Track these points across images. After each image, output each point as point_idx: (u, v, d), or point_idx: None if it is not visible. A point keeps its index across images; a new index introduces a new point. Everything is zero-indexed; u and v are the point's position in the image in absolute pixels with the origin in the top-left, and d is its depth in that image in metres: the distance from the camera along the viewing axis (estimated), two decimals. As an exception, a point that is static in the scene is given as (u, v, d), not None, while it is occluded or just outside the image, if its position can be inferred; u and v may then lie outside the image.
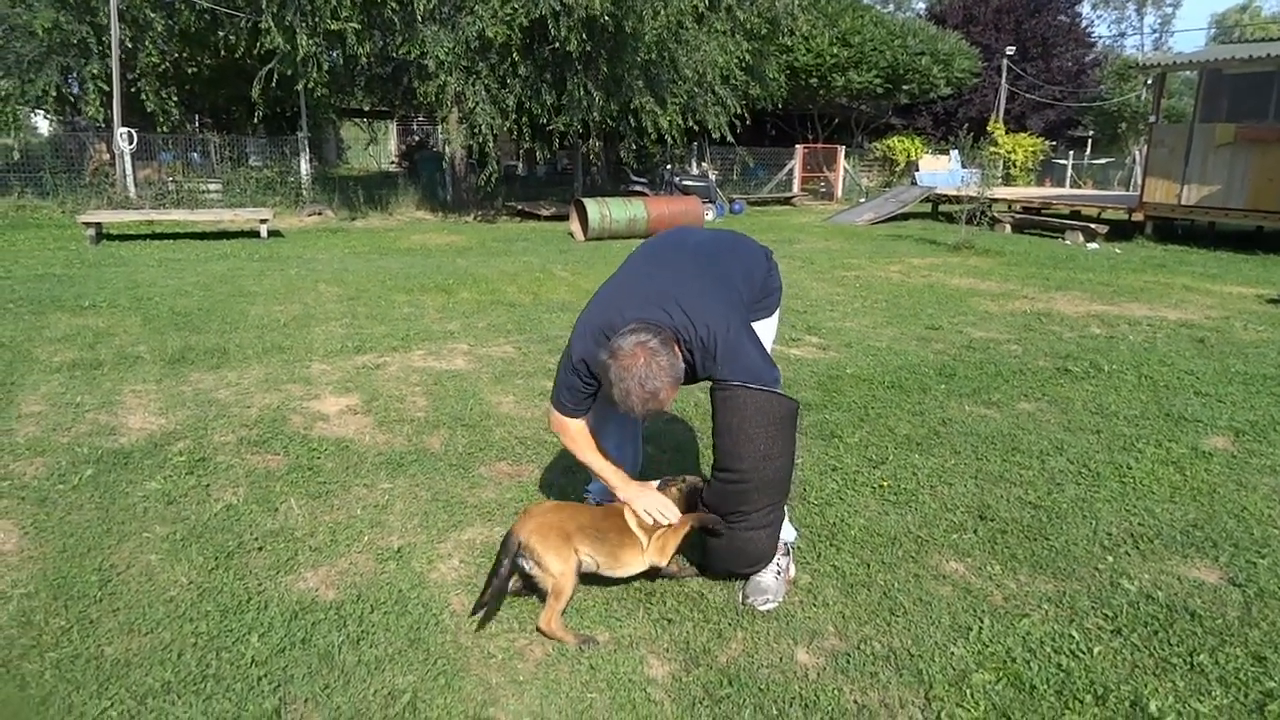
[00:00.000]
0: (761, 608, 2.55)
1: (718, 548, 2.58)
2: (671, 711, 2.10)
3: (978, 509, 3.29)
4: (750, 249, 2.81)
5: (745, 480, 2.44)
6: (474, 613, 2.42)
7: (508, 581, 2.39)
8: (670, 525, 2.53)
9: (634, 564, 2.51)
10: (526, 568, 2.35)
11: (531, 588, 2.44)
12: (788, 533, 2.74)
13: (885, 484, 3.50)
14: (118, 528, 2.96)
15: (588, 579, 2.50)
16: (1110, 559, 2.92)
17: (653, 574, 2.61)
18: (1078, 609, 2.60)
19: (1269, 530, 3.15)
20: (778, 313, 2.85)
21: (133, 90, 13.84)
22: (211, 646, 2.30)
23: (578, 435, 2.62)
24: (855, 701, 2.17)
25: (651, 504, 2.52)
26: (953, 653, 2.36)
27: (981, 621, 2.52)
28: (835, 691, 2.20)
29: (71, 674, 2.18)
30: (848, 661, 2.32)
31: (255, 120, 14.54)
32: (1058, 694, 2.20)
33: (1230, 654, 2.38)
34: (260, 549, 2.85)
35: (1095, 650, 2.39)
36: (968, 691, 2.20)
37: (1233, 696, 2.21)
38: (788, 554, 2.72)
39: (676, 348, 2.32)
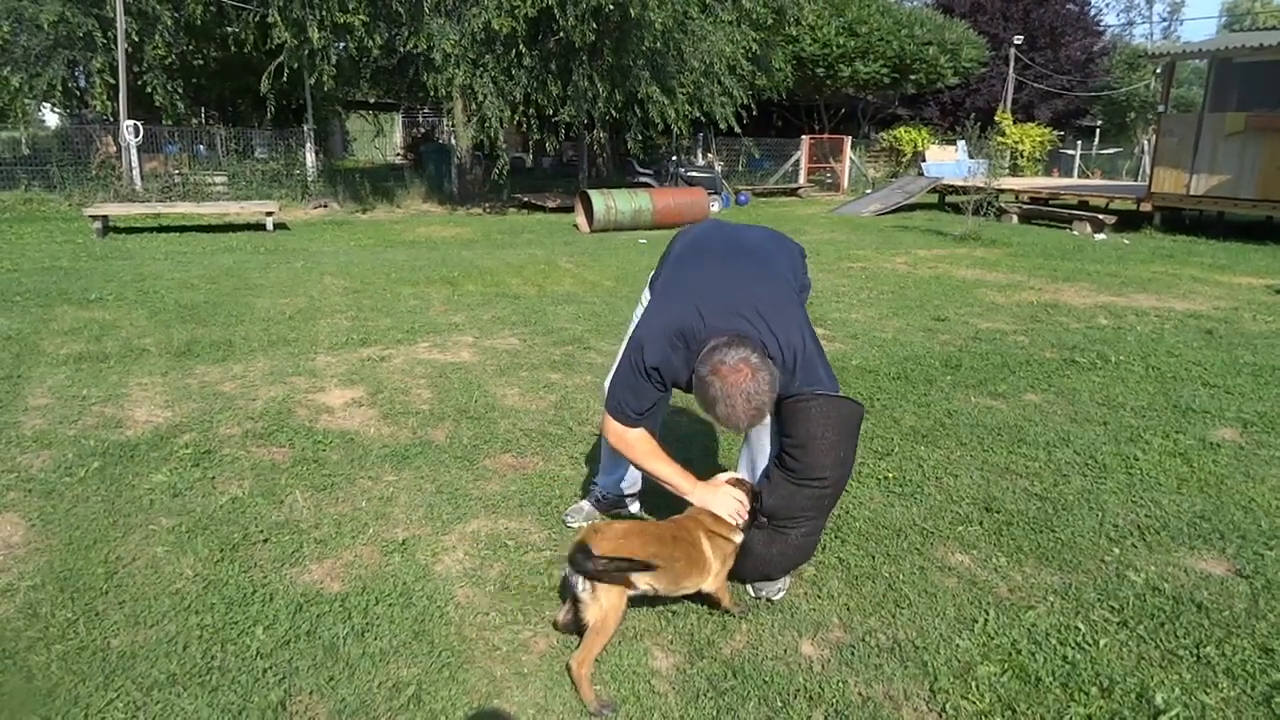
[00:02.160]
0: (775, 597, 2.56)
1: (770, 556, 2.48)
2: (675, 703, 2.10)
3: (983, 501, 3.27)
4: (791, 245, 2.79)
5: (828, 487, 2.43)
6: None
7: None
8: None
9: (695, 586, 2.38)
10: (578, 590, 2.17)
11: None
12: None
13: (891, 476, 3.49)
14: (124, 520, 2.97)
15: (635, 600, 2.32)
16: (1117, 551, 2.91)
17: (707, 600, 2.47)
18: (1084, 601, 2.59)
19: (1276, 522, 3.13)
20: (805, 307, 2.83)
21: (139, 83, 13.85)
22: (217, 639, 2.31)
23: (639, 443, 2.48)
24: (860, 694, 2.16)
25: (729, 505, 2.43)
26: (958, 645, 2.36)
27: (987, 614, 2.51)
28: (840, 684, 2.19)
29: (77, 666, 2.19)
30: (852, 654, 2.32)
31: (267, 115, 14.53)
32: (1063, 686, 2.19)
33: (1237, 646, 2.37)
34: (266, 541, 2.85)
35: (1101, 642, 2.38)
36: (973, 684, 2.19)
37: (1239, 689, 2.20)
38: None
39: (773, 365, 2.26)
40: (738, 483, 2.50)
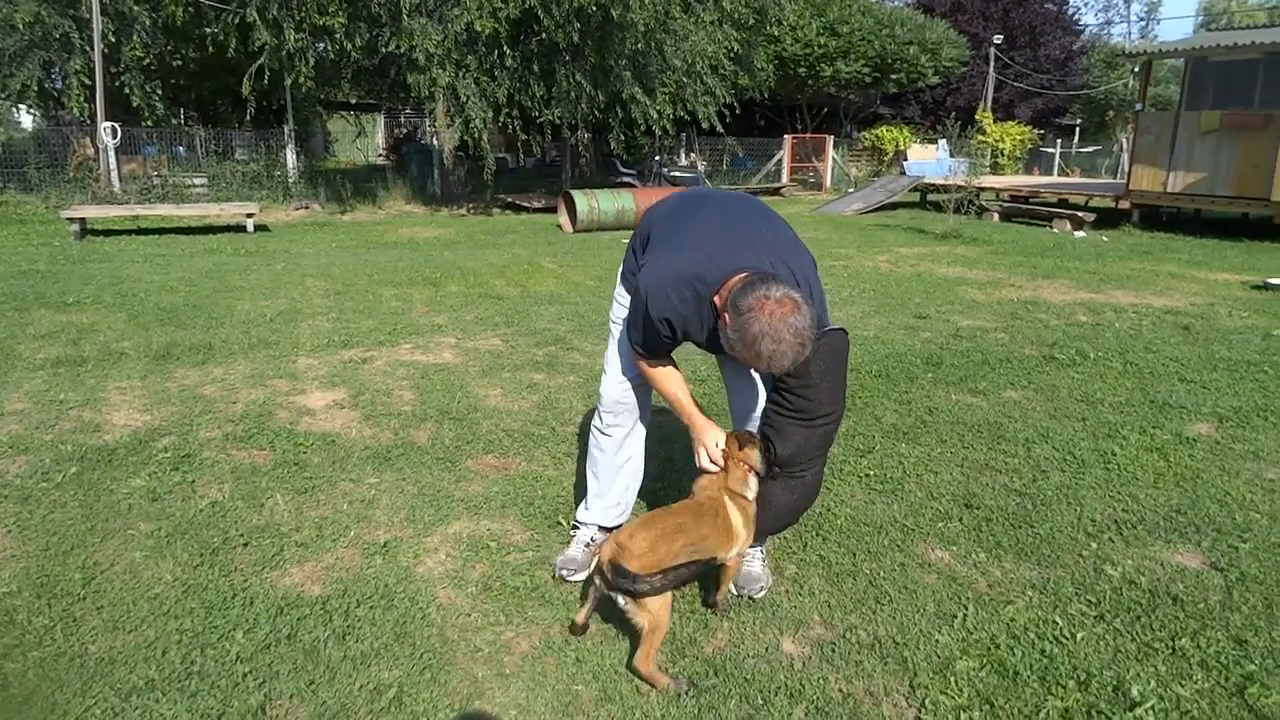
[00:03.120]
0: (758, 595, 2.57)
1: (791, 504, 2.45)
2: (657, 702, 2.10)
3: (963, 497, 3.30)
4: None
5: (833, 422, 2.37)
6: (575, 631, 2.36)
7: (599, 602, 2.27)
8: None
9: (727, 554, 2.37)
10: (621, 603, 2.15)
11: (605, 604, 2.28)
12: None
13: (872, 473, 3.51)
14: (102, 525, 2.94)
15: None
16: (1094, 545, 2.94)
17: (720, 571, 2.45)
18: (1061, 595, 2.62)
19: (1251, 515, 3.17)
20: None
21: (117, 84, 13.71)
22: (196, 643, 2.30)
23: (669, 376, 2.47)
24: (840, 690, 2.18)
25: (711, 443, 2.41)
26: (937, 640, 2.37)
27: (966, 609, 2.53)
28: (820, 680, 2.21)
29: (55, 672, 2.17)
30: (833, 650, 2.33)
31: (247, 116, 14.42)
32: (1041, 680, 2.21)
33: (1212, 638, 2.40)
34: (246, 545, 2.84)
35: (1078, 636, 2.40)
36: (952, 679, 2.21)
37: (1214, 680, 2.22)
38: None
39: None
40: (748, 436, 2.46)
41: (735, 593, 2.59)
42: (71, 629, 2.35)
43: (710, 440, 2.42)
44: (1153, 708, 2.11)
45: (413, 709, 2.07)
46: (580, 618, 2.35)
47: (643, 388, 2.68)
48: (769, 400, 2.43)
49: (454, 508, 3.15)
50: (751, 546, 2.52)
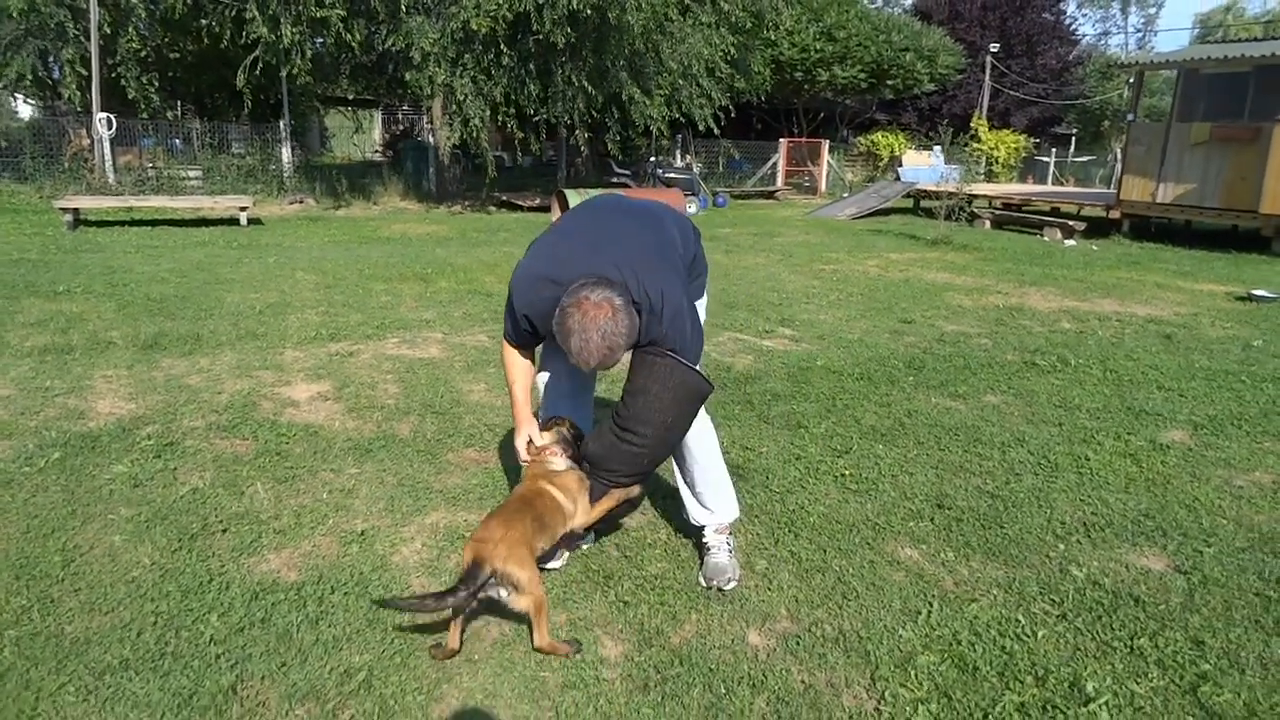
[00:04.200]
0: (726, 587, 2.61)
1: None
2: (621, 689, 2.15)
3: (936, 498, 3.35)
4: (683, 219, 2.81)
5: (643, 446, 2.44)
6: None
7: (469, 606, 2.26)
8: (582, 483, 2.54)
9: (571, 526, 2.51)
10: (504, 595, 2.21)
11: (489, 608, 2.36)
12: (730, 511, 2.78)
13: (847, 473, 3.56)
14: (83, 510, 2.98)
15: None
16: (1062, 547, 2.99)
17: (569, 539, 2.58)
18: (1026, 594, 2.67)
19: (1217, 520, 3.22)
20: (705, 296, 2.85)
21: (113, 76, 13.72)
22: (171, 625, 2.33)
23: (509, 359, 2.68)
24: (802, 681, 2.22)
25: (522, 440, 2.60)
26: (900, 635, 2.42)
27: (931, 606, 2.57)
28: (783, 672, 2.25)
29: (30, 651, 2.20)
30: (798, 643, 2.38)
31: (244, 110, 14.44)
32: (1000, 675, 2.26)
33: (1170, 638, 2.45)
34: (224, 531, 2.87)
35: (1039, 634, 2.45)
36: (912, 672, 2.25)
37: (1169, 679, 2.27)
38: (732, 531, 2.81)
39: (635, 311, 2.30)
40: (559, 421, 2.64)
41: (704, 584, 2.63)
42: (49, 609, 2.38)
43: (522, 435, 2.62)
44: (1106, 703, 2.15)
45: (381, 692, 2.11)
46: (454, 642, 2.26)
47: (565, 386, 2.80)
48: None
49: (433, 499, 3.19)
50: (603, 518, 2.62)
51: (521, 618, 2.32)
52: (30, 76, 13.24)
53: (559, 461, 2.56)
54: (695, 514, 2.77)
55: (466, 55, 13.35)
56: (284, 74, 13.68)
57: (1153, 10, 55.93)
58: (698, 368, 2.47)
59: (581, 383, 2.86)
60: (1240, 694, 2.21)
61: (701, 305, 2.79)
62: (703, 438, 2.67)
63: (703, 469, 2.70)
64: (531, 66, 14.04)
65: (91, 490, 3.14)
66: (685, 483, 2.75)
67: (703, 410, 2.61)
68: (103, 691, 2.07)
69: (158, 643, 2.26)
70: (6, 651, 2.20)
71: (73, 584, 2.52)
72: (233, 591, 2.51)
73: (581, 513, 2.50)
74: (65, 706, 2.02)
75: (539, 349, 2.79)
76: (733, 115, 17.34)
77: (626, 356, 2.43)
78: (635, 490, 2.59)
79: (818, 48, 22.62)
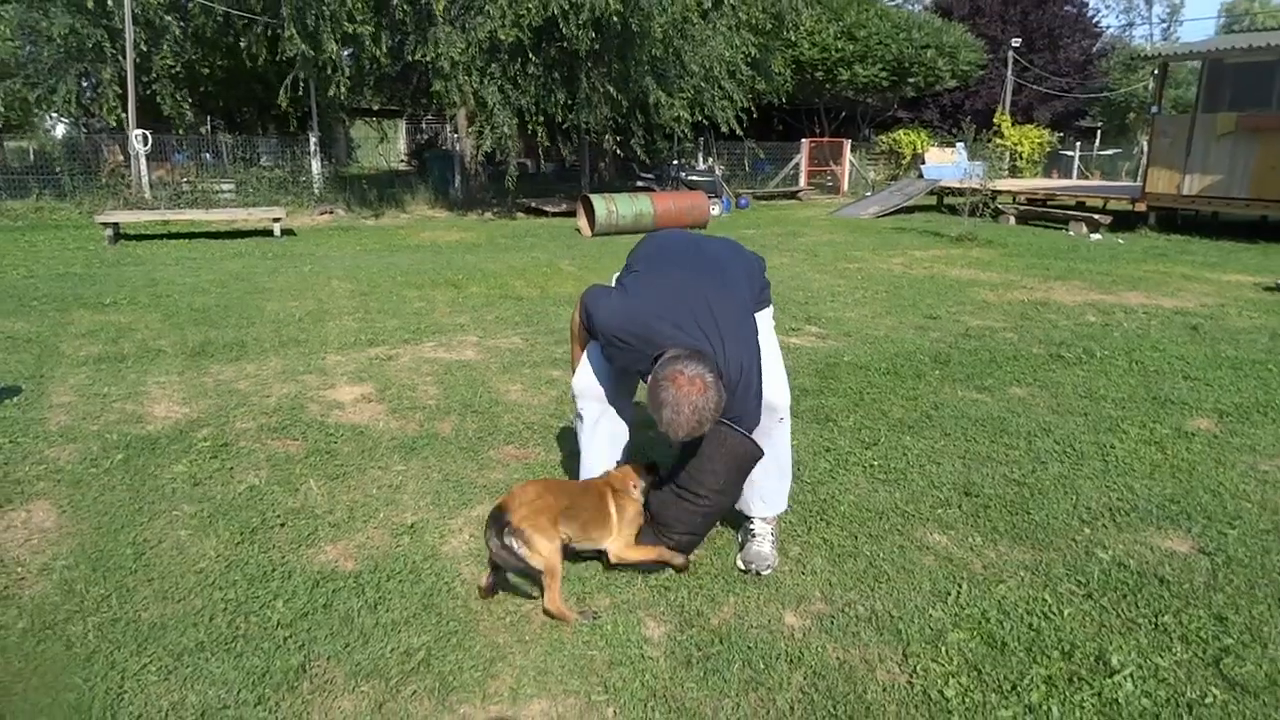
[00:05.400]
0: (764, 572, 2.74)
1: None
2: (665, 665, 2.27)
3: (963, 486, 3.44)
4: (749, 255, 2.98)
5: (698, 506, 2.64)
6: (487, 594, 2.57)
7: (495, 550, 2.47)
8: (639, 520, 2.69)
9: (600, 542, 2.63)
10: (517, 549, 2.41)
11: (502, 576, 2.58)
12: (782, 505, 2.92)
13: (876, 464, 3.65)
14: (148, 506, 3.15)
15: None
16: (1087, 531, 3.07)
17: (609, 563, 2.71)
18: (1052, 576, 2.76)
19: (1242, 504, 3.29)
20: (771, 307, 3.00)
21: (147, 93, 14.09)
22: (240, 611, 2.49)
23: (578, 339, 2.88)
24: (838, 658, 2.33)
25: None
26: (931, 615, 2.52)
27: (960, 587, 2.67)
28: (819, 649, 2.36)
29: (112, 635, 2.36)
30: (832, 623, 2.48)
31: (273, 124, 14.80)
32: (1027, 650, 2.35)
33: (1193, 615, 2.53)
34: (282, 525, 3.03)
35: (1065, 612, 2.54)
36: (943, 649, 2.35)
37: (1192, 652, 2.36)
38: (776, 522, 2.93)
39: (722, 385, 2.43)
40: (654, 466, 2.81)
41: (743, 568, 2.75)
42: (125, 597, 2.55)
43: None
44: (1131, 675, 2.24)
45: (440, 669, 2.24)
46: (483, 580, 2.57)
47: (611, 380, 2.89)
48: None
49: (476, 493, 3.33)
50: (647, 564, 2.71)
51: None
52: (79, 103, 13.65)
53: (637, 494, 2.71)
54: (752, 504, 2.89)
55: (494, 64, 13.57)
56: (330, 92, 14.00)
57: (1177, 1, 55.27)
58: (751, 436, 2.61)
59: (624, 383, 2.99)
60: (1262, 666, 2.29)
61: (768, 313, 2.95)
62: (785, 435, 2.85)
63: (780, 462, 2.86)
64: (557, 74, 14.24)
65: (155, 489, 3.31)
66: (764, 473, 2.86)
67: (788, 409, 2.82)
68: (182, 671, 2.22)
69: (229, 627, 2.41)
70: (91, 636, 2.36)
71: (145, 574, 2.69)
72: (295, 580, 2.66)
73: (623, 540, 2.65)
74: (149, 685, 2.17)
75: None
76: (754, 116, 17.43)
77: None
78: (679, 560, 2.70)
79: (838, 47, 22.63)
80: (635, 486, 2.71)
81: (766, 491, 2.86)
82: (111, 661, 2.25)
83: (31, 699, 2.12)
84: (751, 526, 2.87)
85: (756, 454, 2.64)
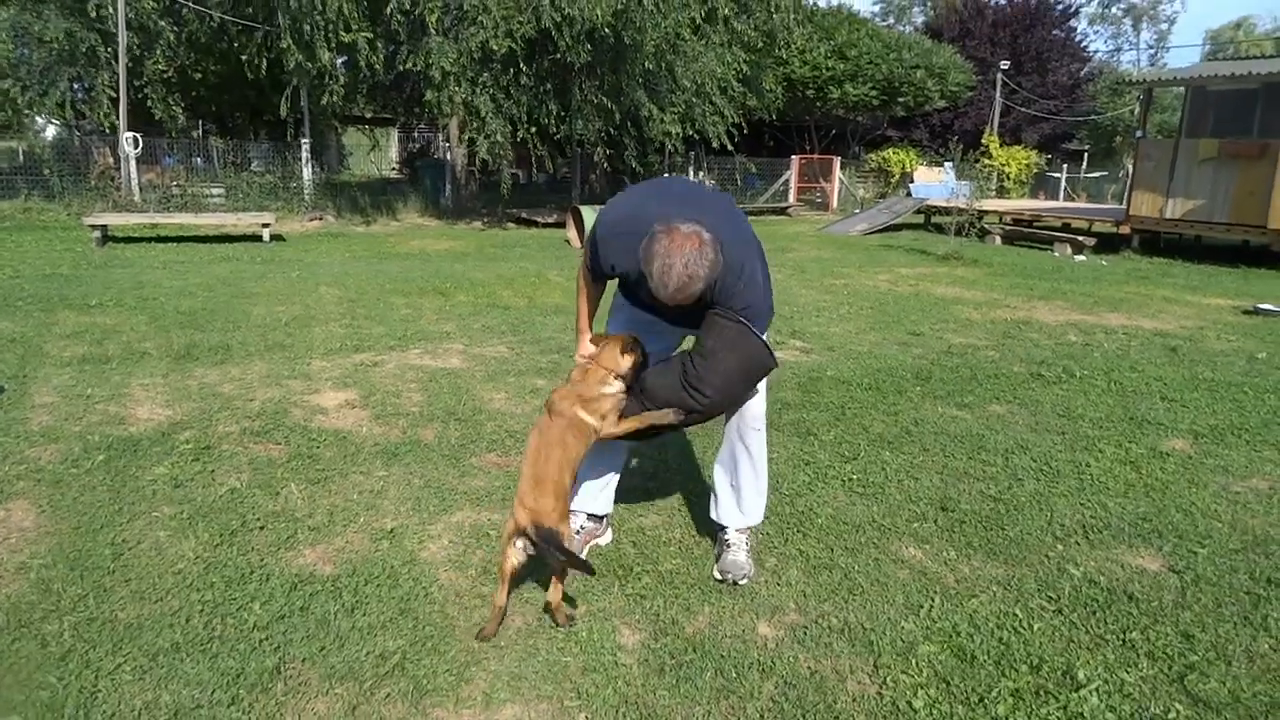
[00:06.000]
0: (740, 582, 2.76)
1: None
2: (638, 673, 2.29)
3: (940, 501, 3.48)
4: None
5: (701, 405, 2.55)
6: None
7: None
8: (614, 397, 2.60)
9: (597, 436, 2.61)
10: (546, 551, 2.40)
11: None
12: (758, 516, 2.94)
13: (854, 478, 3.69)
14: (128, 507, 3.15)
15: None
16: (1060, 547, 3.11)
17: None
18: (1024, 591, 2.79)
19: (1213, 523, 3.34)
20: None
21: (139, 97, 14.08)
22: (217, 612, 2.50)
23: (581, 285, 2.86)
24: (809, 668, 2.36)
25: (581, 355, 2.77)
26: (903, 627, 2.55)
27: (933, 600, 2.71)
28: (791, 659, 2.39)
29: (88, 635, 2.37)
30: (805, 633, 2.51)
31: (265, 129, 14.83)
32: (996, 663, 2.39)
33: (1161, 632, 2.57)
34: (262, 528, 3.04)
35: (1035, 627, 2.58)
36: (913, 660, 2.39)
37: (1158, 668, 2.40)
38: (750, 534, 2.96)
39: (719, 250, 2.34)
40: (629, 343, 2.63)
41: (720, 578, 2.78)
42: (103, 597, 2.55)
43: (581, 355, 2.78)
44: (1096, 689, 2.28)
45: (414, 673, 2.26)
46: (501, 599, 2.45)
47: None
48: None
49: (457, 499, 3.35)
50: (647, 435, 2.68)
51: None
52: (72, 107, 13.63)
53: (613, 388, 2.59)
54: (728, 514, 2.91)
55: (485, 74, 13.64)
56: (323, 100, 14.05)
57: (1164, 27, 56.07)
58: (765, 338, 2.57)
59: None
60: (1226, 683, 2.33)
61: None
62: (764, 443, 2.86)
63: (756, 473, 2.87)
64: (549, 85, 14.32)
65: (135, 490, 3.31)
66: (732, 484, 2.89)
67: (764, 417, 2.80)
68: (157, 671, 2.23)
69: (205, 628, 2.42)
70: (67, 635, 2.36)
71: (123, 575, 2.69)
72: (273, 583, 2.67)
73: (609, 426, 2.58)
74: (123, 684, 2.18)
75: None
76: (745, 132, 17.56)
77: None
78: (670, 417, 2.57)
79: (829, 66, 22.85)
80: (612, 378, 2.58)
81: (744, 502, 2.89)
82: (86, 660, 2.26)
83: (5, 696, 2.12)
84: (727, 537, 2.90)
85: (769, 362, 2.57)
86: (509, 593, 2.47)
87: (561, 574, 2.47)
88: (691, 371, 2.51)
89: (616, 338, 2.66)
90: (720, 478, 2.94)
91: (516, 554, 2.42)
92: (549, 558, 2.42)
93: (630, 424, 2.59)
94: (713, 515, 2.96)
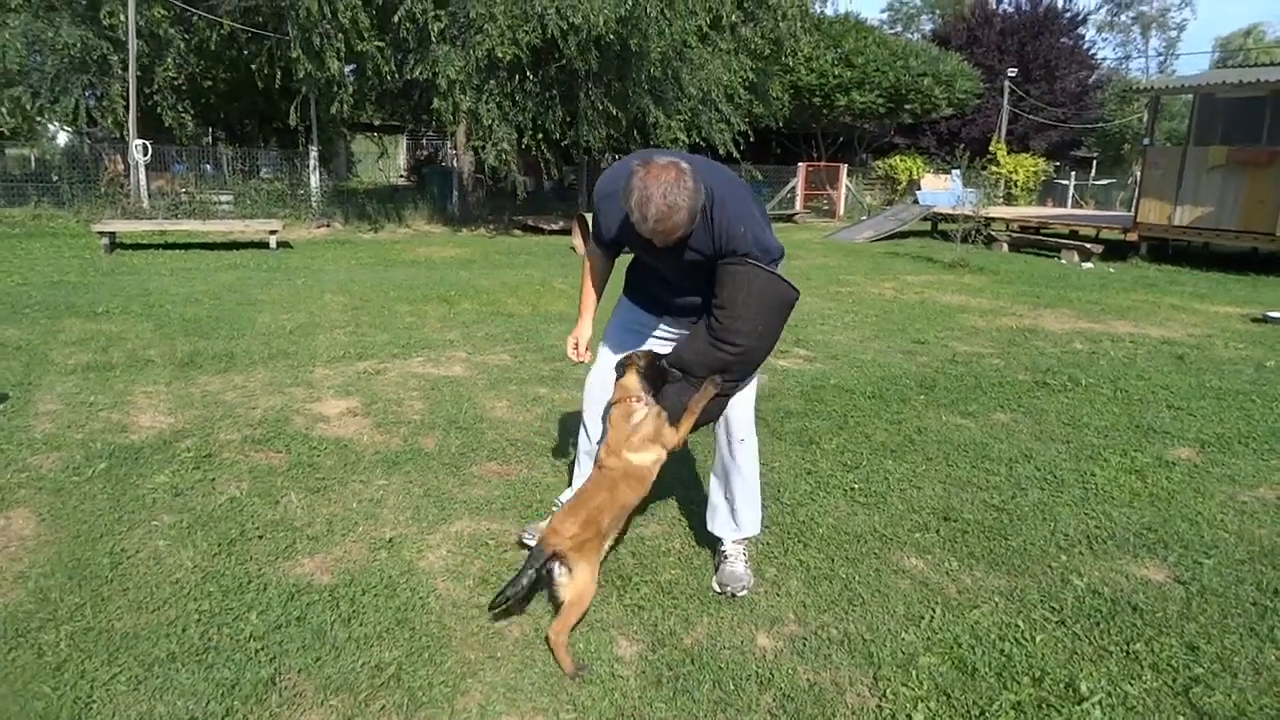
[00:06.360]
0: (739, 593, 2.74)
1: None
2: (635, 685, 2.27)
3: (943, 511, 3.45)
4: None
5: (736, 355, 2.54)
6: (493, 608, 2.52)
7: (531, 588, 2.45)
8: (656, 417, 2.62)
9: (641, 496, 2.67)
10: (556, 573, 2.39)
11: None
12: (755, 527, 2.92)
13: (856, 487, 3.67)
14: (128, 516, 3.15)
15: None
16: (1064, 558, 3.08)
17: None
18: (1027, 602, 2.77)
19: (1219, 533, 3.31)
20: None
21: (149, 104, 14.17)
22: (213, 622, 2.49)
23: (592, 269, 2.94)
24: (808, 680, 2.34)
25: (576, 338, 2.89)
26: (903, 639, 2.53)
27: (934, 611, 2.68)
28: (790, 671, 2.37)
29: (84, 644, 2.36)
30: (804, 645, 2.49)
31: (274, 136, 14.91)
32: (998, 675, 2.36)
33: (1165, 644, 2.54)
34: (261, 537, 3.03)
35: (1038, 638, 2.55)
36: (913, 672, 2.36)
37: (1162, 681, 2.37)
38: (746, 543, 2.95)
39: (703, 189, 2.35)
40: (636, 359, 2.69)
41: (719, 590, 2.76)
42: (100, 607, 2.55)
43: (576, 334, 2.93)
44: (1100, 702, 2.25)
45: (410, 685, 2.25)
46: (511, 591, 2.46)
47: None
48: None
49: (456, 509, 3.34)
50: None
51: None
52: (85, 115, 13.74)
53: (639, 410, 2.61)
54: (724, 526, 2.90)
55: (491, 82, 13.69)
56: (332, 109, 14.14)
57: (1173, 34, 55.94)
58: (782, 273, 2.54)
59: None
60: (1231, 696, 2.30)
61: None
62: (752, 455, 2.85)
63: (746, 485, 2.86)
64: (555, 92, 14.36)
65: (136, 498, 3.31)
66: (725, 496, 2.89)
67: (751, 426, 2.80)
68: (152, 681, 2.22)
69: (201, 638, 2.41)
70: (63, 645, 2.36)
71: (121, 584, 2.69)
72: (270, 592, 2.66)
73: (670, 441, 2.61)
74: (118, 695, 2.17)
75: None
76: (752, 140, 17.56)
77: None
78: (712, 388, 2.58)
79: (836, 74, 22.87)
80: (631, 403, 2.63)
81: (738, 514, 2.88)
82: (82, 670, 2.25)
83: (0, 707, 2.12)
84: (724, 549, 2.89)
85: (790, 294, 2.54)
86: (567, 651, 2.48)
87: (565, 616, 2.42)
88: (716, 326, 2.51)
89: (630, 361, 2.71)
90: (714, 490, 2.94)
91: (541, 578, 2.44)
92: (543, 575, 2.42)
93: (686, 423, 2.61)
94: (709, 528, 2.95)
